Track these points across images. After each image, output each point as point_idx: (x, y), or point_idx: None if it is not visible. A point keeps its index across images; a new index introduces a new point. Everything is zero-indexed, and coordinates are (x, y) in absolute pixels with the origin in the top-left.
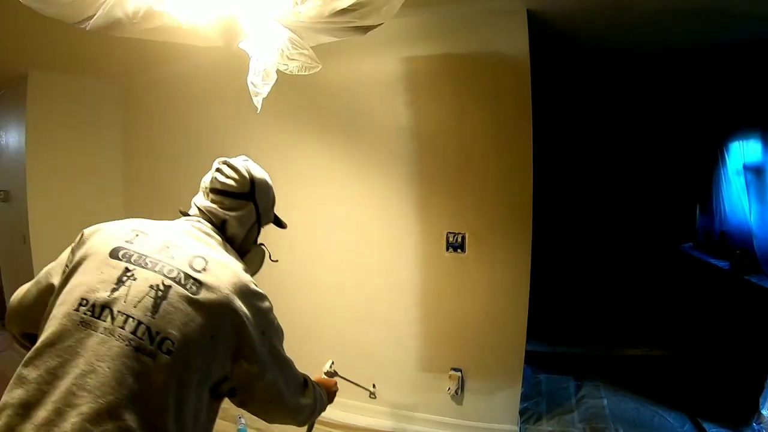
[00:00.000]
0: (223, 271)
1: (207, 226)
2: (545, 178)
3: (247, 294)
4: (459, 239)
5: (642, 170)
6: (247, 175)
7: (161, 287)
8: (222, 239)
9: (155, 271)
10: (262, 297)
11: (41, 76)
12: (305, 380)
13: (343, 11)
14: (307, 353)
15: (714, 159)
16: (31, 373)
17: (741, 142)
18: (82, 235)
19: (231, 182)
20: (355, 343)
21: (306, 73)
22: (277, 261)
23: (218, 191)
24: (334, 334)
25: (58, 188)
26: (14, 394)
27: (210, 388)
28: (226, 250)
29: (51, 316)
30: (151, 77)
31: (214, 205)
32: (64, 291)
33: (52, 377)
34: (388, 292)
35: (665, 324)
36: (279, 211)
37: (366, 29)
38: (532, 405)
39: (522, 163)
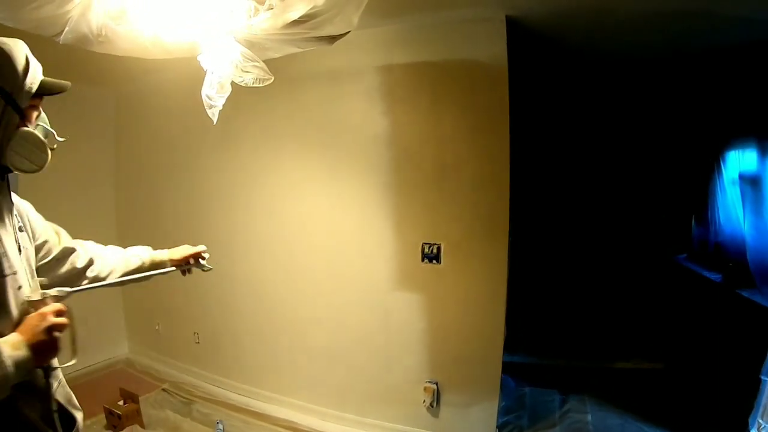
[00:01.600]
0: None
1: None
2: (533, 185)
3: None
4: (434, 250)
5: (636, 178)
6: None
7: None
8: None
9: None
10: None
11: None
12: None
13: (296, 23)
14: (281, 359)
15: (711, 167)
16: None
17: (737, 150)
18: None
19: None
20: (330, 351)
21: (260, 85)
22: (65, 139)
23: None
24: (307, 342)
25: (49, 193)
26: None
27: None
28: None
29: None
30: (143, 84)
31: None
32: None
33: None
34: (363, 302)
35: (656, 337)
36: (254, 217)
37: (331, 39)
38: (514, 419)
39: (499, 172)
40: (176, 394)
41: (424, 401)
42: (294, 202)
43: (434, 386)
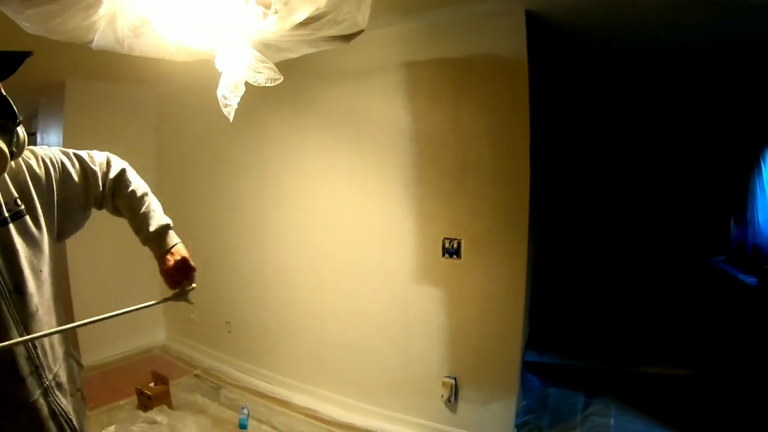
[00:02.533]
0: None
1: None
2: (564, 183)
3: None
4: (455, 245)
5: (671, 177)
6: None
7: None
8: None
9: None
10: None
11: (78, 83)
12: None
13: (302, 25)
14: (306, 350)
15: (750, 166)
16: None
17: None
18: None
19: None
20: (352, 342)
21: (271, 84)
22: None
23: None
24: (331, 333)
25: None
26: None
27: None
28: None
29: None
30: (183, 83)
31: None
32: None
33: None
34: (384, 295)
35: (689, 341)
36: (283, 210)
37: (346, 38)
38: (534, 419)
39: (519, 168)
40: (206, 379)
41: (442, 396)
42: (320, 195)
43: (452, 381)
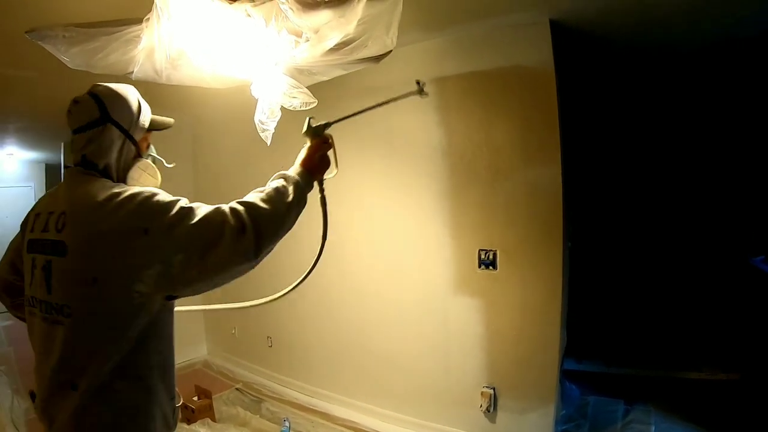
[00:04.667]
0: (77, 213)
1: (75, 171)
2: (597, 189)
3: (104, 216)
4: (490, 256)
5: (707, 175)
6: (91, 100)
7: (45, 266)
8: (85, 174)
9: (41, 253)
10: (126, 202)
11: None
12: (239, 222)
13: (333, 50)
14: (345, 362)
15: None
16: (35, 355)
17: None
18: (21, 227)
19: (79, 116)
20: (390, 354)
21: (305, 108)
22: (173, 165)
23: (74, 131)
24: (370, 345)
25: None
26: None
27: (144, 314)
28: (86, 183)
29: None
30: (218, 106)
31: (73, 146)
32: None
33: (37, 352)
34: (422, 307)
35: (732, 345)
36: (321, 226)
37: (376, 59)
38: (573, 427)
39: (551, 177)
40: (248, 393)
41: (481, 406)
42: (356, 211)
43: (491, 391)
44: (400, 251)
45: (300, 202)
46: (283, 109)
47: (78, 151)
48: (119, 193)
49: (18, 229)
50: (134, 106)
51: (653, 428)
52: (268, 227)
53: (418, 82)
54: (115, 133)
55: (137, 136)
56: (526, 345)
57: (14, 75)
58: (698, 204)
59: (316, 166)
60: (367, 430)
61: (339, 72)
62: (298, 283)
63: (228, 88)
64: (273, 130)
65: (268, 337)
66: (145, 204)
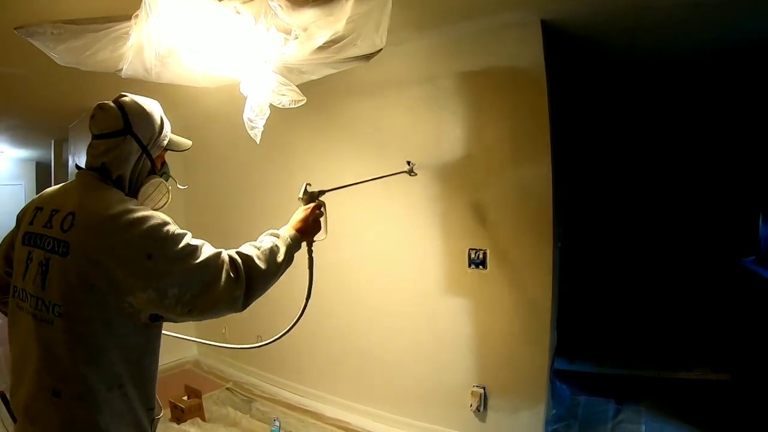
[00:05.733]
0: (87, 220)
1: (89, 175)
2: (588, 190)
3: (114, 229)
4: (481, 255)
5: (696, 176)
6: (117, 110)
7: (43, 262)
8: (100, 181)
9: (41, 248)
10: (139, 222)
11: None
12: (235, 271)
13: (322, 48)
14: (336, 362)
15: None
16: (13, 349)
17: None
18: (18, 218)
19: (102, 123)
20: (381, 354)
21: (295, 106)
22: (185, 187)
23: (95, 136)
24: (360, 345)
25: None
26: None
27: (132, 326)
28: (99, 192)
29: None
30: (208, 105)
31: (91, 150)
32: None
33: (18, 345)
34: (413, 307)
35: (723, 346)
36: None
37: (365, 58)
38: (564, 427)
39: (541, 177)
40: (238, 392)
41: (471, 405)
42: (346, 211)
43: (481, 390)
44: (390, 251)
45: (289, 262)
46: (272, 106)
47: (96, 156)
48: (132, 211)
49: (10, 227)
50: (156, 124)
51: (644, 428)
52: (258, 283)
53: (408, 163)
54: (134, 146)
55: (154, 153)
56: (516, 345)
57: (4, 72)
58: (689, 205)
59: (308, 229)
60: (357, 429)
61: (328, 71)
62: (283, 334)
63: (217, 87)
64: (262, 128)
65: (258, 336)
66: (155, 231)
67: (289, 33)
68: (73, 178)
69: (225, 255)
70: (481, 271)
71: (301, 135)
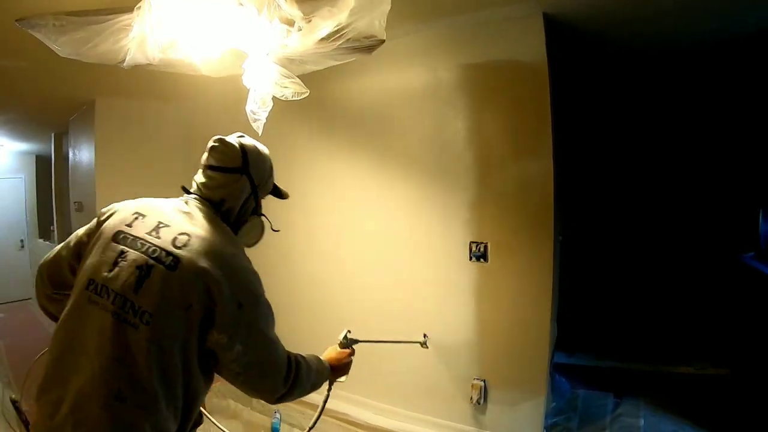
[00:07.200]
0: (202, 246)
1: (200, 203)
2: (590, 183)
3: (225, 266)
4: (482, 248)
5: (696, 171)
6: (238, 150)
7: (144, 267)
8: (214, 213)
9: (142, 252)
10: (245, 272)
11: (107, 101)
12: (290, 370)
13: (325, 39)
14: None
15: None
16: (63, 342)
17: None
18: (101, 215)
19: (223, 158)
20: (381, 346)
21: (298, 98)
22: (278, 231)
23: (212, 167)
24: (361, 336)
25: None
26: (48, 354)
27: (198, 357)
28: (215, 225)
29: (72, 291)
30: (210, 97)
31: (207, 181)
32: (81, 270)
33: (70, 339)
34: (414, 300)
35: (722, 340)
36: (316, 216)
37: (368, 50)
38: (563, 420)
39: (543, 170)
40: None
41: (471, 398)
42: (347, 204)
43: (482, 383)
44: (390, 243)
45: (315, 388)
46: (275, 98)
47: (212, 188)
48: (244, 257)
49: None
50: (268, 169)
51: (642, 421)
52: (295, 393)
53: (424, 335)
54: (247, 186)
55: (261, 195)
56: (516, 338)
57: (4, 65)
58: (689, 199)
59: (340, 369)
60: (358, 422)
61: (331, 62)
62: None
63: (220, 78)
64: (264, 120)
65: None
66: (256, 287)
67: (292, 24)
68: (161, 195)
69: (292, 355)
70: (482, 264)
71: (302, 129)
